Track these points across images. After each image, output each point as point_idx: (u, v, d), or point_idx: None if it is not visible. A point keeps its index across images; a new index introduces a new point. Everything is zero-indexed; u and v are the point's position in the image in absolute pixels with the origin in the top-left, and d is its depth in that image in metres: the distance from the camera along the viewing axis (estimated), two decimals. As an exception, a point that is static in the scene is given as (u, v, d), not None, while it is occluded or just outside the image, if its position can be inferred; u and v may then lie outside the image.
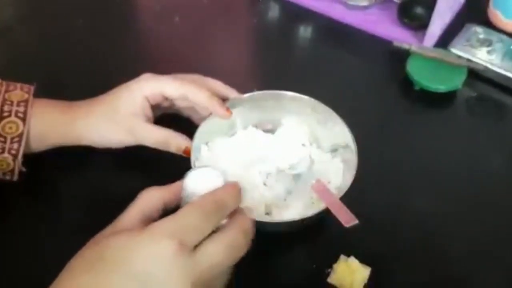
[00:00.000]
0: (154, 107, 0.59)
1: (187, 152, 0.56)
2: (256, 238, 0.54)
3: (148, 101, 0.57)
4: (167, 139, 0.57)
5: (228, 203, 0.41)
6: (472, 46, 0.72)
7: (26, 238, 0.55)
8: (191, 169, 0.43)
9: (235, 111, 0.59)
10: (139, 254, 0.36)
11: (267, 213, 0.54)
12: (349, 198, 0.50)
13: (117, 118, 0.57)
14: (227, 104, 0.58)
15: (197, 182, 0.42)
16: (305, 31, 0.80)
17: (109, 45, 0.75)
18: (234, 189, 0.42)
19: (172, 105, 0.61)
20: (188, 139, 0.56)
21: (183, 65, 0.70)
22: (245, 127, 0.61)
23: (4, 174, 0.55)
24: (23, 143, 0.54)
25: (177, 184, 0.42)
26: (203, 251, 0.37)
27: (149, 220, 0.40)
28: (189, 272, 0.36)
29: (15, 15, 0.81)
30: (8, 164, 0.54)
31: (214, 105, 0.56)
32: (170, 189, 0.42)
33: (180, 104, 0.61)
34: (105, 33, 0.78)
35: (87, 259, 0.38)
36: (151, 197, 0.41)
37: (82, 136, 0.58)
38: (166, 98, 0.58)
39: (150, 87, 0.57)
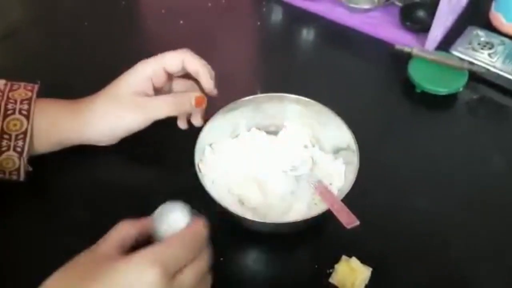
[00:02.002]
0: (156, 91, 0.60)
1: (199, 102, 0.58)
2: (259, 238, 0.55)
3: (152, 82, 0.58)
4: (180, 99, 0.58)
5: (204, 235, 0.44)
6: (473, 49, 0.73)
7: (30, 237, 0.55)
8: (162, 204, 0.46)
9: (238, 113, 0.60)
10: (126, 278, 0.39)
11: (270, 215, 0.55)
12: (351, 199, 0.51)
13: (121, 100, 0.57)
14: (230, 106, 0.59)
15: (167, 216, 0.45)
16: (307, 34, 0.81)
17: (114, 48, 0.76)
18: (204, 224, 0.45)
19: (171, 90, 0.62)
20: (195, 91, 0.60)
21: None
22: (248, 129, 0.61)
23: (10, 173, 0.56)
24: (27, 140, 0.55)
25: (149, 218, 0.46)
26: (181, 278, 0.41)
27: (125, 249, 0.43)
28: None
29: (23, 18, 0.82)
30: (14, 162, 0.55)
31: (204, 74, 0.59)
32: (143, 222, 0.45)
33: (179, 88, 0.62)
34: (111, 36, 0.78)
35: (70, 278, 0.41)
36: (128, 229, 0.44)
37: (88, 130, 0.58)
38: (168, 77, 0.59)
39: (151, 66, 0.58)
